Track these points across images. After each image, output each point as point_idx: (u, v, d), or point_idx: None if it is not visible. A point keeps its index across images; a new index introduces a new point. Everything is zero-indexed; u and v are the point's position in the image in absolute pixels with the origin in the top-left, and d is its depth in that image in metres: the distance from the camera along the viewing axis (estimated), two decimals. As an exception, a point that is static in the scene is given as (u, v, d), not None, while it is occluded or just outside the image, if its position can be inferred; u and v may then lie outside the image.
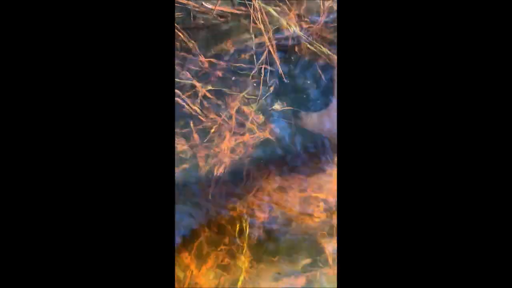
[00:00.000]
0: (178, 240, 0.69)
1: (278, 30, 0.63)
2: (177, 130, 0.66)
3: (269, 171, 0.67)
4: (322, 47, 0.61)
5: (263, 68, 0.64)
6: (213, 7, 0.63)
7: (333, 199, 0.66)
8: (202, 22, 0.65)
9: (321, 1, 0.61)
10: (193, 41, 0.64)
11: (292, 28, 0.61)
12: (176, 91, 0.66)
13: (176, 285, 0.67)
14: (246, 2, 0.62)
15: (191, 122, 0.67)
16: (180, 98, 0.68)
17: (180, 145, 0.68)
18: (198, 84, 0.66)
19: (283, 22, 0.61)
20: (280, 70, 0.65)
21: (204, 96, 0.66)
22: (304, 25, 0.61)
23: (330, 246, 0.67)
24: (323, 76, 0.63)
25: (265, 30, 0.62)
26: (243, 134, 0.66)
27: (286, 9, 0.61)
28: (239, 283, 0.67)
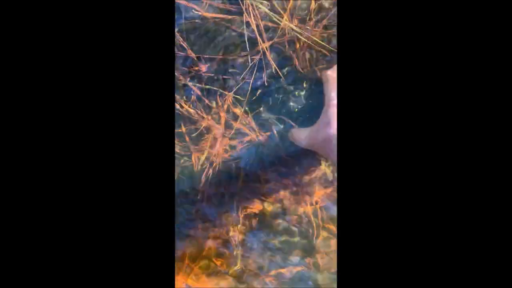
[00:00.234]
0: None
1: (272, 30, 0.62)
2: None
3: (262, 172, 0.67)
4: (323, 50, 0.62)
5: (255, 69, 0.63)
6: (204, 9, 0.61)
7: (328, 202, 0.68)
8: (195, 21, 0.63)
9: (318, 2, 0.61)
10: (183, 40, 0.63)
11: (287, 25, 0.61)
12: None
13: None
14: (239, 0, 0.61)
15: (182, 123, 0.66)
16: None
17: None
18: (189, 84, 0.65)
19: (273, 18, 0.60)
20: (274, 71, 0.65)
21: (197, 97, 0.65)
22: (301, 26, 0.61)
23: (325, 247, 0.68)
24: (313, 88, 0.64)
25: (258, 32, 0.61)
26: (234, 135, 0.66)
27: (280, 9, 0.61)
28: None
